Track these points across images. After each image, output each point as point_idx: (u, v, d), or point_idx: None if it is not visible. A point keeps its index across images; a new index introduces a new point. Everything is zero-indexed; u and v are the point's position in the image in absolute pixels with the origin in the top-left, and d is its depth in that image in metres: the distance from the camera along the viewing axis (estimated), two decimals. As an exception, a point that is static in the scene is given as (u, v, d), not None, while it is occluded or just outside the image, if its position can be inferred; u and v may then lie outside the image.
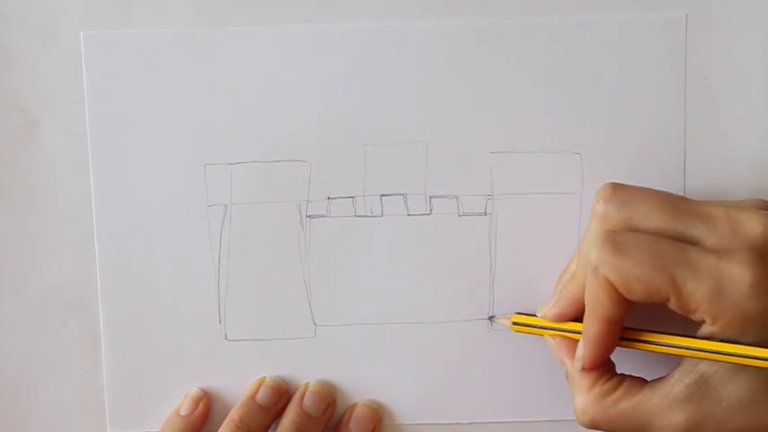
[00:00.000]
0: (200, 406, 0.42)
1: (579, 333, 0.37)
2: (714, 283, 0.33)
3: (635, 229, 0.35)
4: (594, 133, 0.41)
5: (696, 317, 0.34)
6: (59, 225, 0.42)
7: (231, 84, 0.41)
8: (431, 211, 0.42)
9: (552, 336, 0.39)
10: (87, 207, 0.42)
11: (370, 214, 0.42)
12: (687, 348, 0.35)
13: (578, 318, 0.38)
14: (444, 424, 0.43)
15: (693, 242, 0.34)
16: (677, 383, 0.35)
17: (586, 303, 0.36)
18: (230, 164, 0.42)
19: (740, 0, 0.41)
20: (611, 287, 0.34)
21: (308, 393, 0.42)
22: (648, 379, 0.37)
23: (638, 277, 0.34)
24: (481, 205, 0.42)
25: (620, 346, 0.37)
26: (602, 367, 0.37)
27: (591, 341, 0.36)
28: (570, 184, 0.41)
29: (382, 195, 0.42)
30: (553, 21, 0.41)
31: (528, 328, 0.40)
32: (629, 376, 0.37)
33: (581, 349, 0.37)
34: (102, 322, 0.42)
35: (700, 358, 0.35)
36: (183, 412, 0.42)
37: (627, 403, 0.36)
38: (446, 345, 0.42)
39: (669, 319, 0.36)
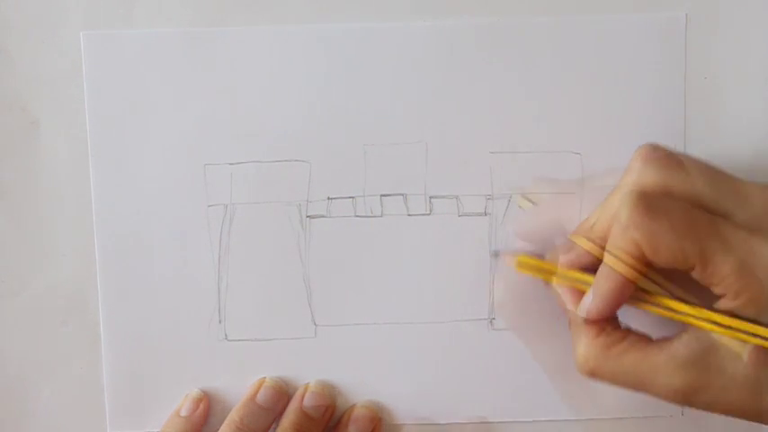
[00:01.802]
0: (201, 407, 0.42)
1: (588, 284, 0.36)
2: (742, 258, 0.33)
3: (668, 193, 0.35)
4: (594, 133, 0.41)
5: (718, 290, 0.34)
6: (59, 225, 0.42)
7: (231, 84, 0.41)
8: (431, 211, 0.42)
9: (559, 283, 0.38)
10: (87, 207, 0.42)
11: (370, 214, 0.42)
12: (700, 319, 0.34)
13: (589, 268, 0.37)
14: (444, 424, 0.43)
15: (725, 215, 0.34)
16: (684, 347, 0.34)
17: (605, 259, 0.35)
18: (230, 164, 0.42)
19: (740, 0, 0.41)
20: (638, 249, 0.34)
21: (308, 394, 0.42)
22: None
23: (668, 244, 0.33)
24: (481, 205, 0.42)
25: (628, 304, 0.36)
26: (608, 318, 0.36)
27: (602, 296, 0.35)
28: (570, 184, 0.42)
29: (382, 195, 0.42)
30: (553, 21, 0.41)
31: (534, 270, 0.39)
32: (634, 331, 0.36)
33: (588, 301, 0.36)
34: (102, 322, 0.42)
35: (710, 330, 0.34)
36: (184, 413, 0.42)
37: (631, 357, 0.35)
38: (446, 345, 0.42)
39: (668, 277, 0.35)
